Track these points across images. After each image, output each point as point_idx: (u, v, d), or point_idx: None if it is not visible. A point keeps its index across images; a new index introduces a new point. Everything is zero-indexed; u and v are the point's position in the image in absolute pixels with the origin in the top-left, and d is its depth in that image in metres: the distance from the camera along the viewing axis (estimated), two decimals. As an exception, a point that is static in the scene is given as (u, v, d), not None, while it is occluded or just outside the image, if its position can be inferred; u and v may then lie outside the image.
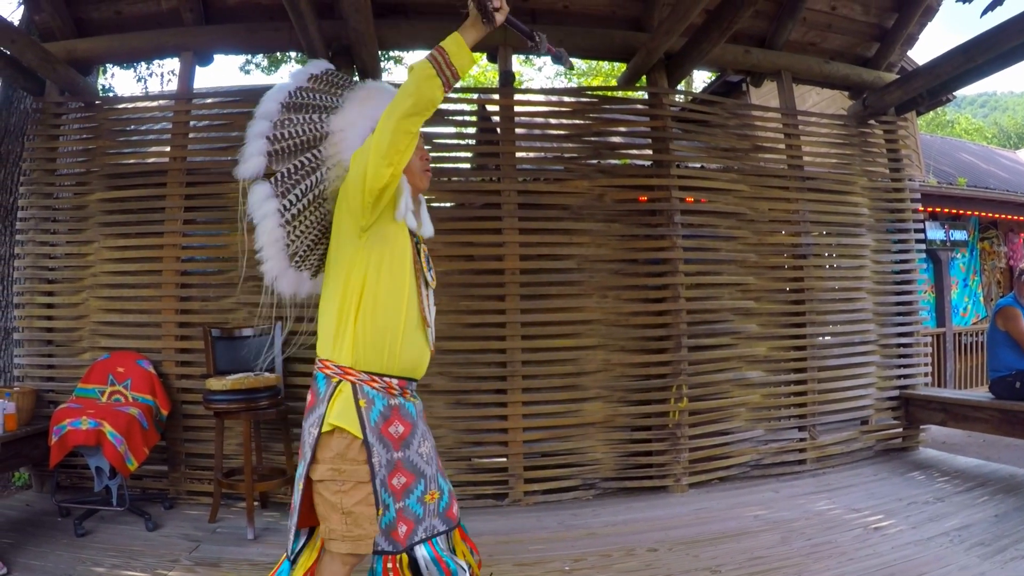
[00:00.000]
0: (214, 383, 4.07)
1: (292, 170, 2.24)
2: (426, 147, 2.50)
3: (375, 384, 2.13)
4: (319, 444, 2.10)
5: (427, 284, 2.30)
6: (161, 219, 4.74)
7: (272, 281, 2.31)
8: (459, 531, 2.35)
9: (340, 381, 2.12)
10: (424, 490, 2.20)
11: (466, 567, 2.25)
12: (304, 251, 2.31)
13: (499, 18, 2.06)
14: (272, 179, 2.22)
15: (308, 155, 2.29)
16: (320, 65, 2.50)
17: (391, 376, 2.16)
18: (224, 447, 4.29)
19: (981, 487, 4.68)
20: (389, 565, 2.15)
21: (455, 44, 2.07)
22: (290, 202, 2.22)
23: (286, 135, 2.28)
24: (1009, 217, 10.67)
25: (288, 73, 2.23)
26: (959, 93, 9.03)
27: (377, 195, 2.10)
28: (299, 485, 2.16)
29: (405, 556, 2.17)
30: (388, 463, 2.12)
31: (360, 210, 2.13)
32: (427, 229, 2.41)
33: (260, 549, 3.78)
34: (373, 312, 2.13)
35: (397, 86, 2.23)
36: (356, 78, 2.62)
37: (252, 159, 2.24)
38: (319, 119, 2.37)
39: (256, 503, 4.24)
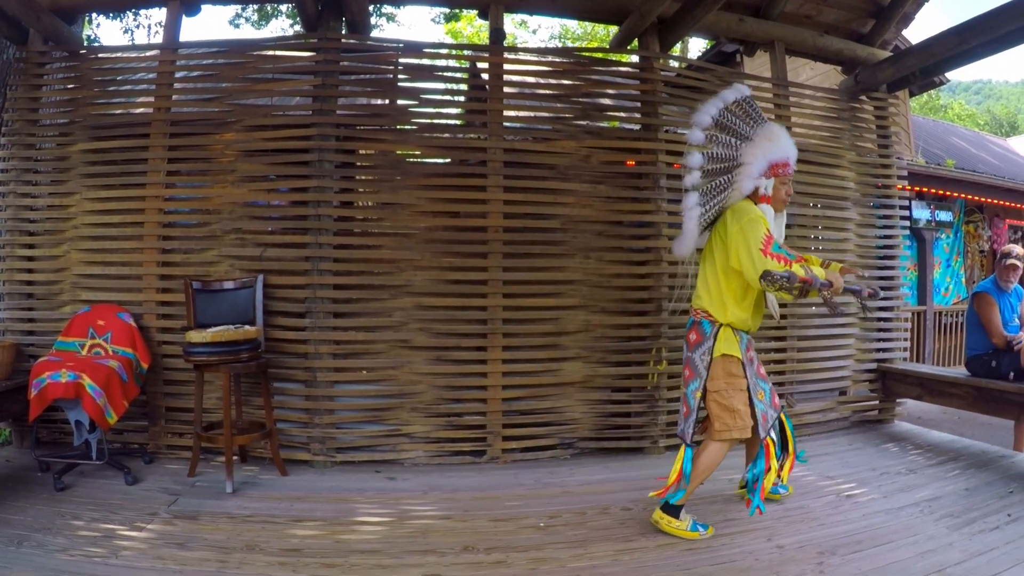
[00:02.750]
0: (194, 335, 4.05)
1: (711, 188, 3.39)
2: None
3: (741, 331, 3.43)
4: (712, 366, 3.37)
5: None
6: (144, 171, 4.68)
7: (682, 250, 3.56)
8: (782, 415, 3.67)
9: (721, 327, 3.40)
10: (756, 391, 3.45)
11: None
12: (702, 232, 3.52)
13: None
14: (699, 192, 3.40)
15: (724, 177, 3.39)
16: (741, 91, 3.48)
17: (747, 331, 3.48)
18: (204, 401, 4.28)
19: (953, 461, 4.74)
20: (766, 444, 3.49)
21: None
22: (706, 209, 3.41)
23: (714, 155, 3.40)
24: (995, 202, 10.72)
25: (720, 94, 3.48)
26: (953, 79, 9.07)
27: None
28: (694, 396, 3.42)
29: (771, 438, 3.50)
30: (753, 377, 3.43)
31: (732, 265, 3.31)
32: (781, 238, 3.50)
33: (239, 502, 3.80)
34: (739, 302, 3.39)
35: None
36: (757, 112, 3.56)
37: (691, 174, 3.42)
38: (737, 144, 3.42)
39: (235, 457, 4.27)
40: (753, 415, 3.40)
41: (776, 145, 3.43)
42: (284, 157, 4.69)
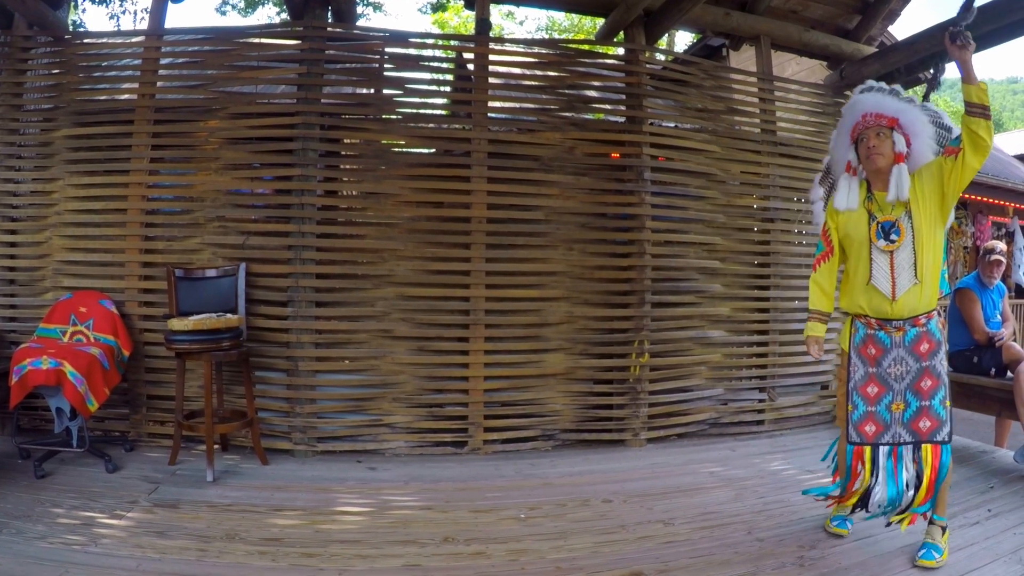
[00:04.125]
0: (176, 323, 4.04)
1: (828, 188, 3.52)
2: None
3: (859, 320, 3.13)
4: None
5: (880, 249, 3.02)
6: (127, 157, 4.65)
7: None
8: (933, 448, 2.98)
9: (848, 320, 3.21)
10: (891, 400, 3.02)
11: (911, 482, 2.97)
12: None
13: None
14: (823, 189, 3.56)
15: (831, 176, 3.51)
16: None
17: (866, 315, 3.09)
18: (185, 389, 4.27)
19: (934, 456, 4.76)
20: (856, 451, 3.06)
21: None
22: (824, 202, 3.48)
23: (824, 166, 3.59)
24: (979, 199, 10.76)
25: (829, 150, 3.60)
26: (939, 74, 9.06)
27: None
28: None
29: (869, 449, 3.02)
30: (864, 375, 3.08)
31: None
32: (901, 193, 2.97)
33: (219, 491, 3.79)
34: (844, 279, 3.23)
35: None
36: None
37: (817, 187, 3.61)
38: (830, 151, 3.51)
39: (216, 445, 4.26)
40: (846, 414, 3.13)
41: (842, 123, 3.29)
42: (268, 145, 4.68)
